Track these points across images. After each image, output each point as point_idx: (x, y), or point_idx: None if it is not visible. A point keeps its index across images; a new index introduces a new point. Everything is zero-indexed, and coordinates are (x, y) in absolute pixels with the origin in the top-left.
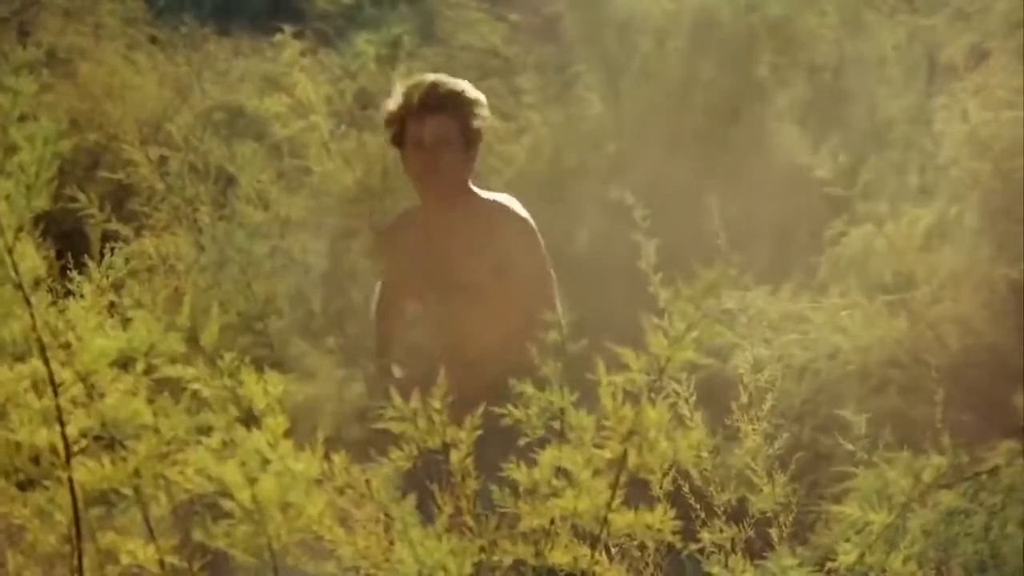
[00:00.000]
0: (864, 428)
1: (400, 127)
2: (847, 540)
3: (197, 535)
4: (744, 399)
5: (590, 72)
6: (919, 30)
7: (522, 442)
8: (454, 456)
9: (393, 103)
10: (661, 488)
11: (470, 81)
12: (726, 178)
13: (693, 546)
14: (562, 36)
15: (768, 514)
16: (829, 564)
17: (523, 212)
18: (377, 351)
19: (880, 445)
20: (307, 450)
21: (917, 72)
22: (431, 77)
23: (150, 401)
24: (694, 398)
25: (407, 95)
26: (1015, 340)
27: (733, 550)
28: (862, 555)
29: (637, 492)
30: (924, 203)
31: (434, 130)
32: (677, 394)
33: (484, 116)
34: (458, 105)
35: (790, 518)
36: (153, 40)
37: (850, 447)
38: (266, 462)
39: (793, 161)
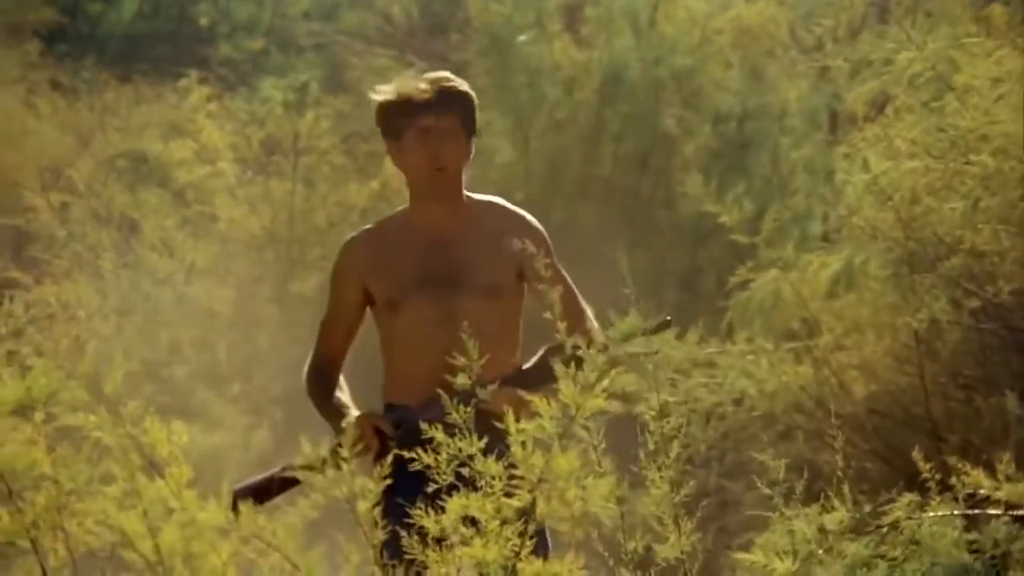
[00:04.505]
0: (782, 474)
1: (396, 119)
2: None
3: None
4: (651, 445)
5: (500, 119)
6: (821, 82)
7: (431, 489)
8: (361, 506)
9: (390, 94)
10: (572, 536)
11: (375, 128)
12: (634, 225)
13: None
14: (470, 83)
15: (674, 562)
16: None
17: (535, 221)
18: (317, 372)
19: (794, 492)
20: (211, 499)
21: (819, 122)
22: (439, 74)
23: (49, 451)
24: (603, 445)
25: (411, 88)
26: (917, 388)
27: None
28: None
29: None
30: (827, 251)
31: (445, 125)
32: (588, 441)
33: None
34: (465, 103)
35: (696, 566)
36: (54, 85)
37: (767, 491)
38: (169, 512)
39: (699, 209)
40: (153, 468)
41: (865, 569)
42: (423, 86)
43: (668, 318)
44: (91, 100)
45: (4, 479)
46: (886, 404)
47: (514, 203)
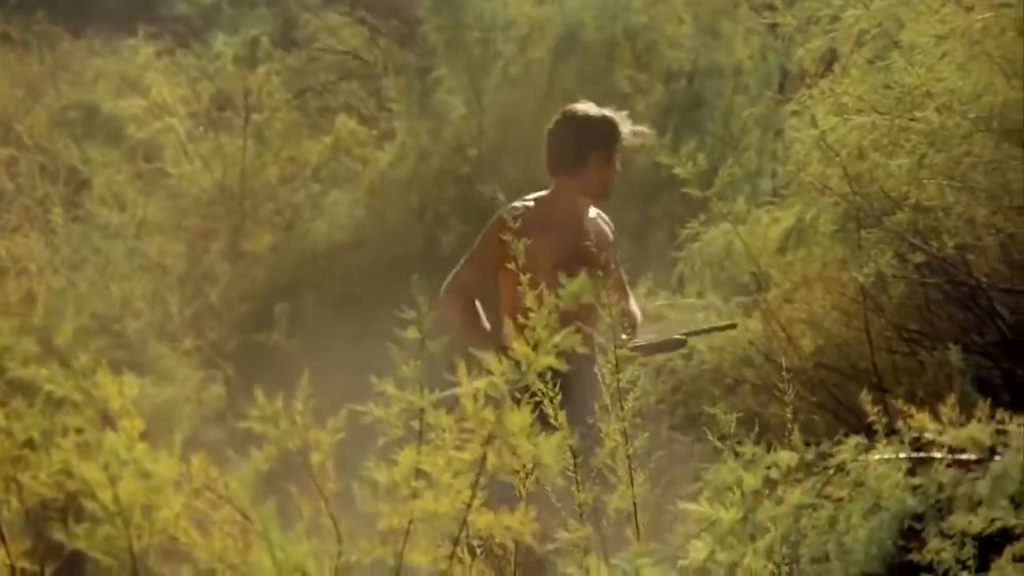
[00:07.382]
0: (733, 426)
1: (615, 148)
2: (698, 537)
3: (58, 537)
4: (606, 399)
5: (452, 76)
6: (771, 39)
7: (382, 442)
8: (313, 458)
9: (625, 130)
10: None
11: (331, 83)
12: None
13: (550, 546)
14: (422, 41)
15: (625, 513)
16: (681, 561)
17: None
18: (465, 302)
19: (742, 444)
20: (164, 452)
21: (770, 80)
22: (623, 113)
23: (2, 404)
24: (559, 398)
25: (625, 127)
26: (863, 341)
27: (588, 550)
28: (712, 551)
29: None
30: (777, 206)
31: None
32: (543, 394)
33: None
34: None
35: (647, 517)
36: (4, 38)
37: (717, 444)
38: (125, 463)
39: (651, 162)
40: (106, 421)
41: (811, 510)
42: (635, 130)
43: (735, 322)
44: (42, 54)
45: None
46: (833, 357)
47: (467, 160)
